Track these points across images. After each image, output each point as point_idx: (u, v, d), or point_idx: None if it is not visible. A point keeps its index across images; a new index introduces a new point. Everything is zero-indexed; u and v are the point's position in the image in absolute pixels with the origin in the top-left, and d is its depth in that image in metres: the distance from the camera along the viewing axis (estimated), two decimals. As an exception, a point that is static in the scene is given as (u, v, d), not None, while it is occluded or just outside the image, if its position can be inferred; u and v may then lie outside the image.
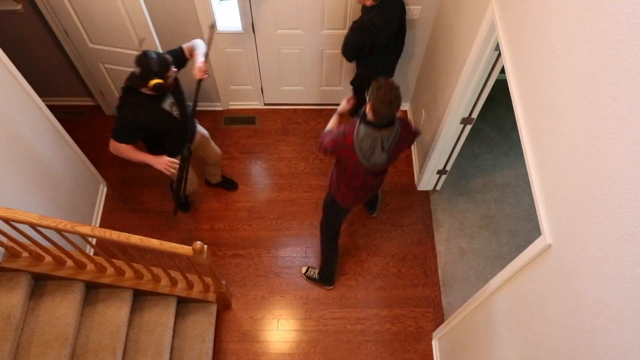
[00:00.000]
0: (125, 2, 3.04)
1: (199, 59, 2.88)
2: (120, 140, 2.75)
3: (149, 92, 2.67)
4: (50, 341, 2.70)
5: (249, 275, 3.65)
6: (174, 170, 2.84)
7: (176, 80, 2.82)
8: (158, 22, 3.38)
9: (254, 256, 3.72)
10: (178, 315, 3.24)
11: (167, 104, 2.83)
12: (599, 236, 1.41)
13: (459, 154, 4.03)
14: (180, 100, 2.91)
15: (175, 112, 2.88)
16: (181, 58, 2.89)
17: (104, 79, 3.85)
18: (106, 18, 3.22)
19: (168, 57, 2.67)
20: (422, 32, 3.61)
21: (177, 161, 2.83)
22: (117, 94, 4.02)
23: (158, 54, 2.63)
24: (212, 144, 3.46)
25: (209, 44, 2.95)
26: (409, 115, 4.37)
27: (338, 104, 4.37)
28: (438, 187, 3.98)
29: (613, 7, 1.32)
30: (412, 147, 4.22)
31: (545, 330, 1.80)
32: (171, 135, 2.95)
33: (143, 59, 2.58)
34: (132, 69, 3.63)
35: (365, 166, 2.60)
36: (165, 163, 2.81)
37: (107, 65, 3.70)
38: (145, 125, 2.77)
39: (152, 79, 2.57)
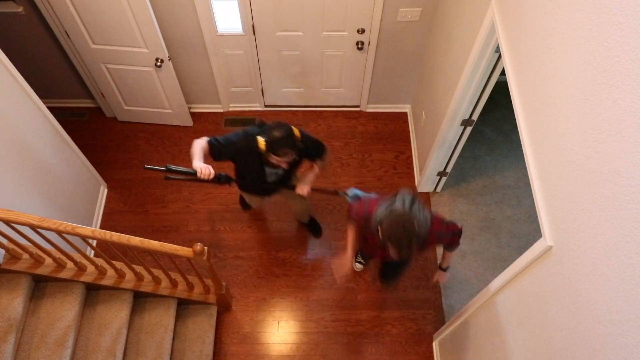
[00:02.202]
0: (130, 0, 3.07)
1: (308, 179, 2.91)
2: (209, 142, 2.66)
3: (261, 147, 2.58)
4: (50, 343, 2.70)
5: (250, 277, 3.64)
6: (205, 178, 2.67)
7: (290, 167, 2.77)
8: (162, 22, 3.39)
9: (255, 258, 3.72)
10: (178, 317, 3.24)
11: (271, 171, 2.81)
12: (600, 238, 1.41)
13: (460, 156, 4.04)
14: (283, 179, 2.91)
15: (272, 178, 2.87)
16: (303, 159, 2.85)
17: (105, 79, 3.86)
18: (109, 17, 3.24)
19: (289, 151, 2.53)
20: (423, 34, 3.62)
21: (213, 174, 2.63)
22: (119, 95, 4.03)
23: (287, 137, 2.52)
24: (302, 202, 3.35)
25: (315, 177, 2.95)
26: (409, 117, 4.38)
27: (338, 106, 4.40)
28: (438, 189, 3.98)
29: (613, 8, 1.32)
30: (413, 148, 4.22)
31: (546, 332, 1.80)
32: (249, 180, 2.94)
33: (275, 124, 2.54)
34: (134, 67, 3.68)
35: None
36: (206, 173, 2.61)
37: (109, 66, 3.71)
38: (231, 157, 2.74)
39: (259, 140, 2.54)
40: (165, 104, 4.08)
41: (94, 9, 3.21)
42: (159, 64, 3.57)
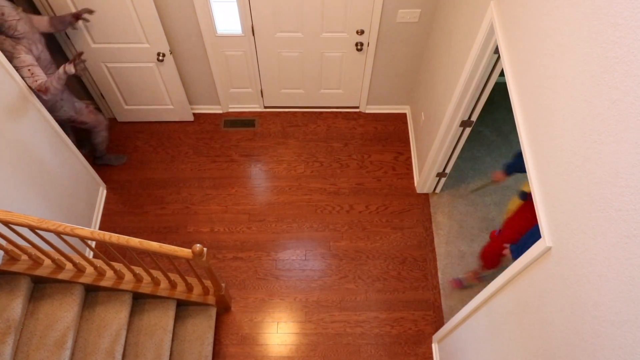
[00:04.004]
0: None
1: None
2: None
3: None
4: (49, 344, 2.70)
5: (249, 278, 3.64)
6: None
7: None
8: (162, 22, 3.39)
9: (254, 259, 3.72)
10: (177, 318, 3.23)
11: None
12: (599, 239, 1.41)
13: (459, 157, 4.04)
14: None
15: None
16: None
17: (105, 79, 3.86)
18: (111, 14, 3.27)
19: None
20: (422, 35, 3.62)
21: None
22: (119, 94, 4.04)
23: None
24: None
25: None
26: (408, 118, 4.38)
27: (337, 107, 4.40)
28: (438, 190, 3.99)
29: (611, 10, 1.32)
30: (412, 149, 4.23)
31: (545, 332, 1.80)
32: None
33: None
34: (135, 63, 3.69)
35: None
36: None
37: (109, 65, 3.71)
38: None
39: None
40: (166, 99, 4.08)
41: (96, 7, 3.22)
42: (160, 58, 3.59)
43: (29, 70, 2.90)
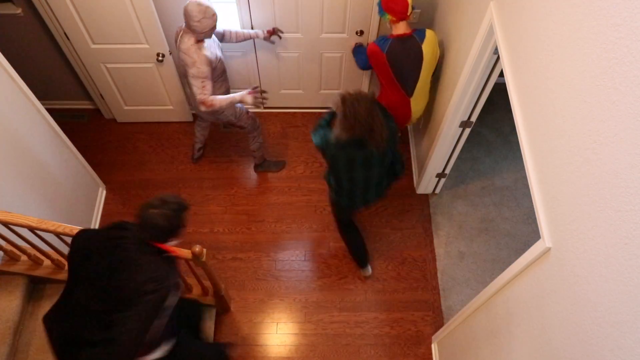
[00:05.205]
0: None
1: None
2: None
3: None
4: (48, 345, 2.69)
5: (248, 278, 3.64)
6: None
7: None
8: (163, 17, 3.39)
9: (253, 259, 3.72)
10: (177, 318, 3.23)
11: None
12: (598, 239, 1.41)
13: (458, 158, 4.04)
14: None
15: None
16: None
17: (105, 80, 3.86)
18: (111, 14, 3.26)
19: None
20: (421, 36, 3.62)
21: None
22: (118, 95, 4.03)
23: None
24: None
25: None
26: (408, 119, 4.38)
27: (337, 108, 4.40)
28: (437, 191, 3.99)
29: (611, 11, 1.33)
30: (411, 150, 4.22)
31: (545, 333, 1.80)
32: None
33: None
34: (134, 64, 3.69)
35: None
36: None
37: (108, 65, 3.71)
38: None
39: None
40: (165, 100, 4.08)
41: (95, 8, 3.22)
42: (160, 58, 3.59)
43: (202, 82, 2.90)
